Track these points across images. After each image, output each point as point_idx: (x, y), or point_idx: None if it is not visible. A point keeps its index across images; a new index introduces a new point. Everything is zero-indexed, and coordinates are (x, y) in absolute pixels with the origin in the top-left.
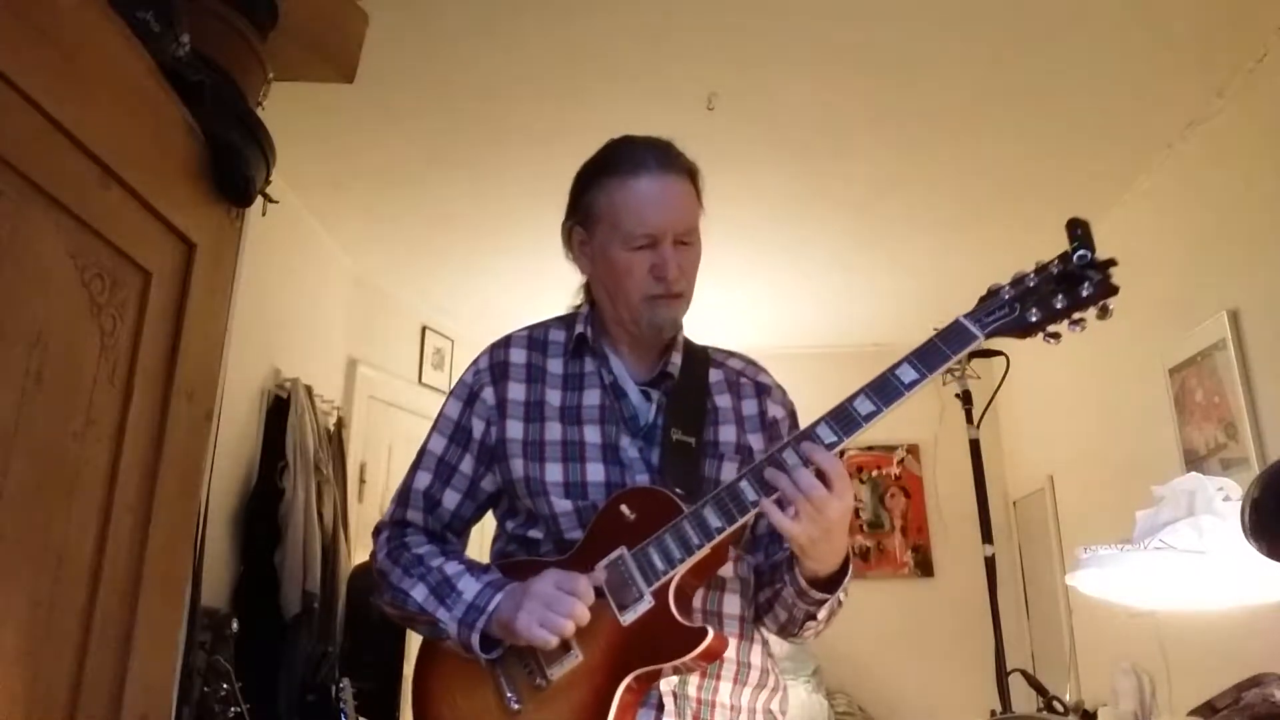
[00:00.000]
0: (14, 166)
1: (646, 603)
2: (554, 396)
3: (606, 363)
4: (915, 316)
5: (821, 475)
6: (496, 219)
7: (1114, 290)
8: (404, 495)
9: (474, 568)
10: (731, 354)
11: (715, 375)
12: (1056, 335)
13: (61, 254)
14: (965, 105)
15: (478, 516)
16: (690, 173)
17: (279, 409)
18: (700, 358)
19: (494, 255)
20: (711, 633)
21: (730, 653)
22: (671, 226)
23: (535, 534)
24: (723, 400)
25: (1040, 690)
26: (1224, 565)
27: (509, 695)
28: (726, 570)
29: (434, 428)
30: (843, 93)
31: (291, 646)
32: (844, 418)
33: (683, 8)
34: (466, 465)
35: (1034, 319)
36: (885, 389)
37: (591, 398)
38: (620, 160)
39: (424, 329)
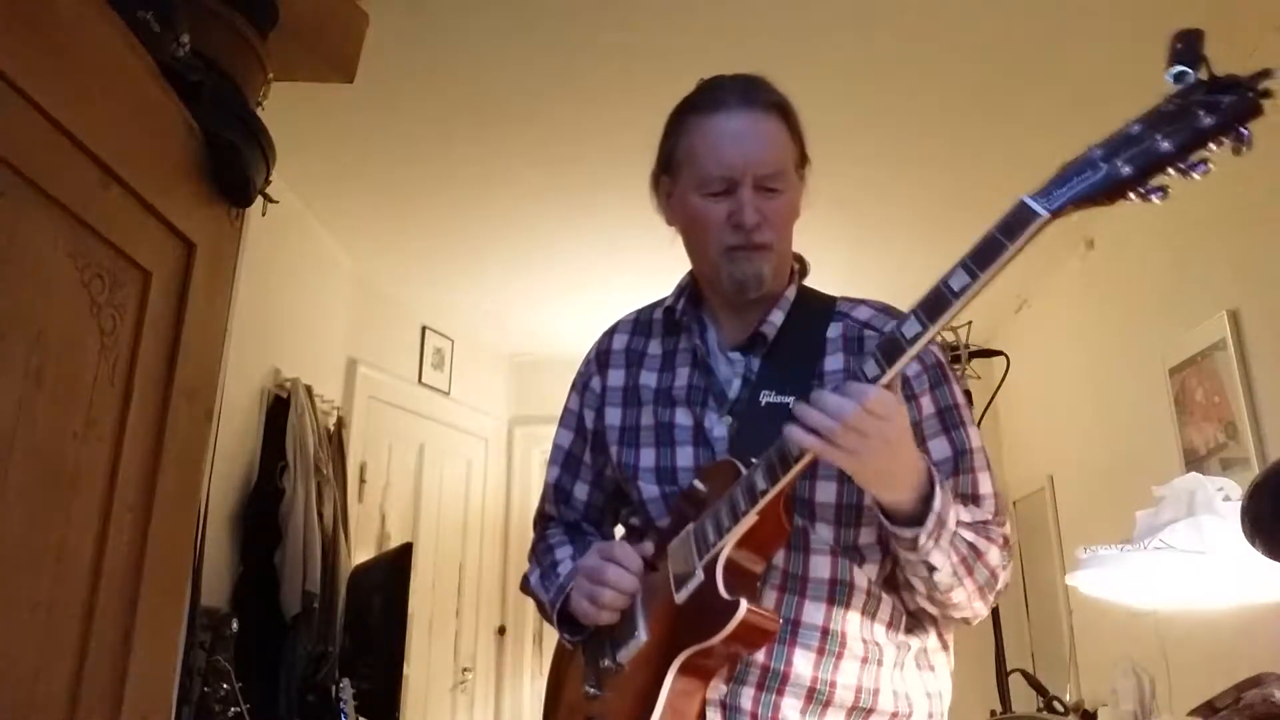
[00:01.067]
0: (14, 166)
1: (698, 578)
2: (649, 379)
3: (701, 334)
4: None
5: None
6: (497, 219)
7: (1256, 109)
8: (544, 490)
9: (581, 547)
10: (863, 302)
11: (834, 330)
12: (1161, 190)
13: (61, 254)
14: (963, 106)
15: (615, 504)
16: (780, 108)
17: (279, 409)
18: (819, 312)
19: (494, 255)
20: (744, 606)
21: (804, 668)
22: (750, 167)
23: (636, 521)
24: (835, 361)
25: (1040, 690)
26: (1224, 565)
27: (589, 682)
28: (818, 569)
29: (560, 422)
30: (843, 95)
31: (291, 646)
32: (891, 346)
33: (683, 12)
34: (588, 455)
35: (1127, 172)
36: (936, 303)
37: (682, 377)
38: (701, 98)
39: (424, 329)
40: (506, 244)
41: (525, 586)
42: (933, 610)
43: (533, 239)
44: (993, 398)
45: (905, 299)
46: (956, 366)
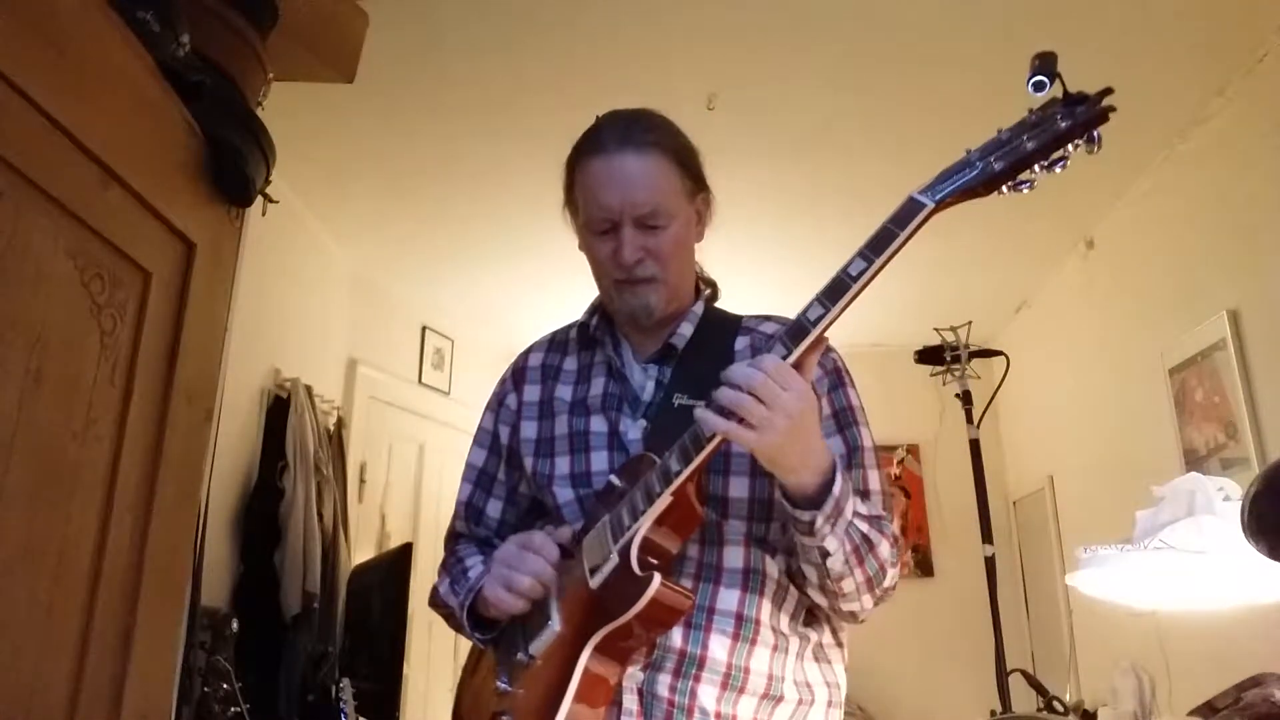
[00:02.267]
0: (14, 166)
1: (612, 561)
2: (565, 391)
3: (616, 347)
4: (916, 316)
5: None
6: (497, 218)
7: (1104, 116)
8: (456, 509)
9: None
10: (770, 318)
11: (742, 342)
12: (1028, 183)
13: (61, 254)
14: (966, 107)
15: (526, 521)
16: (661, 147)
17: (279, 409)
18: (726, 326)
19: (494, 255)
20: (657, 579)
21: (720, 653)
22: (627, 208)
23: (551, 528)
24: None
25: (1040, 690)
26: (1224, 565)
27: (500, 678)
28: (731, 559)
29: (474, 440)
30: (842, 94)
31: (291, 646)
32: (796, 329)
33: (683, 10)
34: (502, 473)
35: (999, 168)
36: (835, 288)
37: (598, 387)
38: (586, 140)
39: (424, 329)
40: (507, 244)
41: (434, 599)
42: (821, 601)
43: (533, 239)
44: (993, 398)
45: (905, 299)
46: (956, 367)
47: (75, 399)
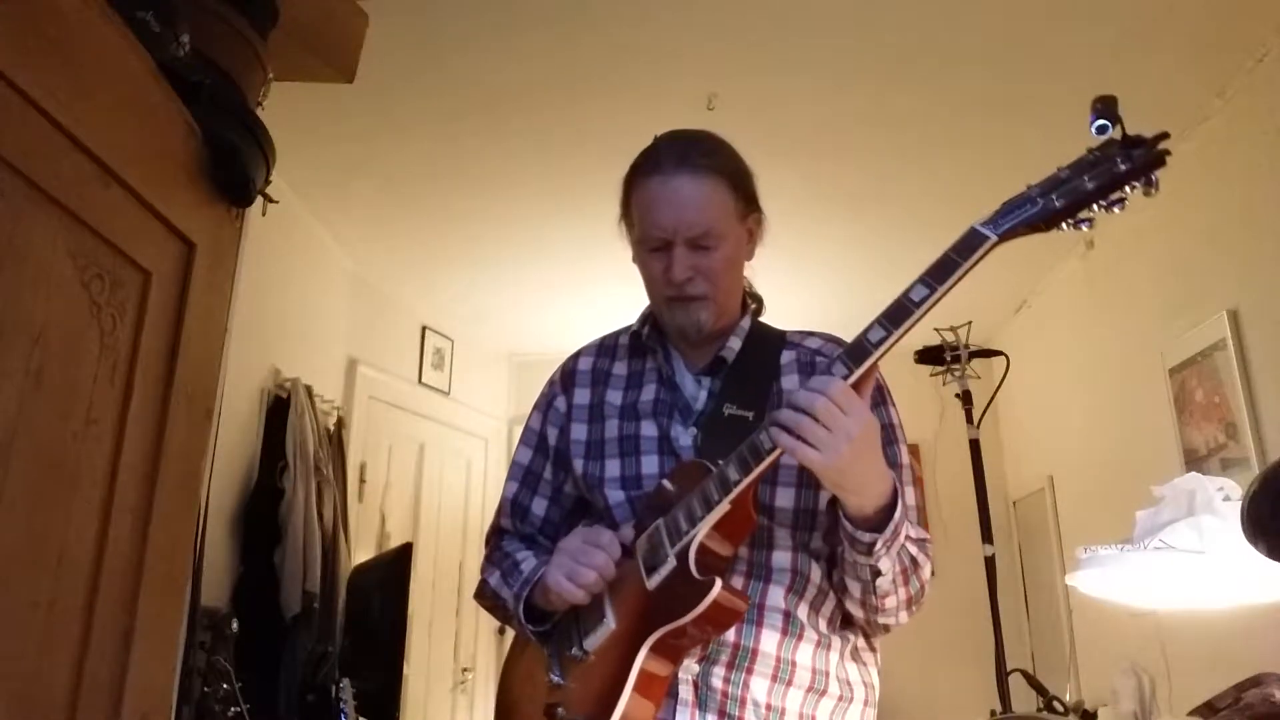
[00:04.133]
0: (14, 166)
1: (670, 564)
2: (615, 396)
3: (666, 356)
4: None
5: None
6: (497, 219)
7: (1161, 160)
8: (500, 505)
9: (542, 553)
10: (813, 334)
11: (788, 356)
12: (1088, 220)
13: (61, 254)
14: (965, 106)
15: (571, 521)
16: (715, 170)
17: (279, 409)
18: (772, 341)
19: (494, 255)
20: (718, 584)
21: (770, 647)
22: (680, 229)
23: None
24: (790, 381)
25: (1040, 690)
26: (1224, 565)
27: (553, 672)
28: (780, 561)
29: (521, 440)
30: (842, 94)
31: (291, 646)
32: (857, 350)
33: (683, 9)
34: (549, 472)
35: (1059, 205)
36: (897, 313)
37: (649, 393)
38: (644, 159)
39: (424, 329)
40: (506, 244)
41: (482, 590)
42: (859, 614)
43: (533, 239)
44: (993, 398)
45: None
46: (956, 367)
47: (75, 398)
